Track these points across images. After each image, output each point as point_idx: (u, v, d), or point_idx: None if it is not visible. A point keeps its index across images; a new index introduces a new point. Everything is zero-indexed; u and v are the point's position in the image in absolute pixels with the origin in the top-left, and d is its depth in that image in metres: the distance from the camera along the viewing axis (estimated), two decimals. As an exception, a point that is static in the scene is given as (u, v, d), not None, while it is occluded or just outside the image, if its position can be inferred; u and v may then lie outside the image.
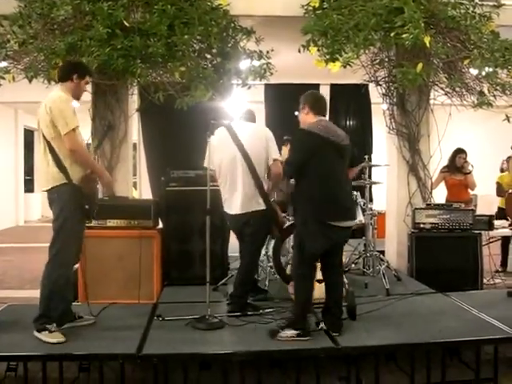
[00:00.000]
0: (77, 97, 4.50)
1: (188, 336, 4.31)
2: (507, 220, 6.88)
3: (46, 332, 4.14)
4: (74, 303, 5.63)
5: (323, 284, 5.29)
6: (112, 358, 4.01)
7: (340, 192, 4.39)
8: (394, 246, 7.17)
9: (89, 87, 6.47)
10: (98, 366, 4.03)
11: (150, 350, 3.98)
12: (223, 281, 5.85)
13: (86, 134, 6.46)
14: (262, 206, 4.92)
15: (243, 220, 4.95)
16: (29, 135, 20.49)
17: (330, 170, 4.34)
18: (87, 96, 6.50)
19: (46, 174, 4.29)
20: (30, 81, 6.01)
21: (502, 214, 8.28)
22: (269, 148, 4.99)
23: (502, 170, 9.35)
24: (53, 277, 4.22)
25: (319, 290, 5.28)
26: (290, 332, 4.24)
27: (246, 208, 4.90)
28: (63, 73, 4.49)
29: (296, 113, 4.72)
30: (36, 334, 4.17)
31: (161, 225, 6.11)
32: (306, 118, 4.53)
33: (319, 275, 5.47)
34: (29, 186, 20.72)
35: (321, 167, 4.30)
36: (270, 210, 4.98)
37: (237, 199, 4.92)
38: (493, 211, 8.12)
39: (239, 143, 4.92)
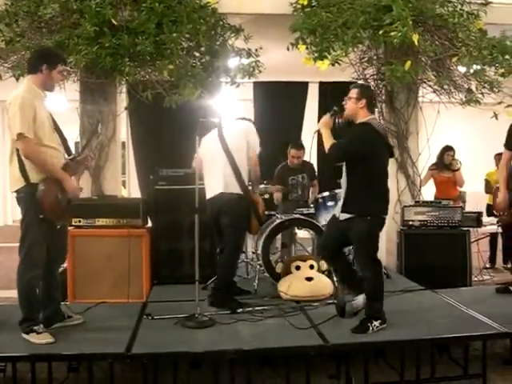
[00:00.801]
0: (49, 88, 4.27)
1: (177, 335, 4.30)
2: (496, 217, 6.92)
3: (34, 334, 4.08)
4: (63, 303, 5.67)
5: (312, 282, 5.32)
6: (101, 358, 3.98)
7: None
8: (383, 243, 7.16)
9: (77, 86, 6.46)
10: (87, 366, 4.01)
11: (140, 349, 3.96)
12: (212, 279, 5.83)
13: (74, 133, 6.47)
14: (238, 191, 4.99)
15: (219, 204, 5.01)
16: (17, 134, 20.30)
17: (386, 168, 4.58)
18: (75, 95, 6.48)
19: (11, 175, 4.14)
20: (18, 79, 5.96)
21: (490, 210, 8.33)
22: (249, 142, 5.12)
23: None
24: (24, 279, 4.10)
25: (308, 289, 5.31)
26: (377, 322, 4.32)
27: (223, 189, 5.01)
28: (31, 64, 4.24)
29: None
30: (24, 336, 4.11)
31: (150, 223, 6.10)
32: (359, 112, 4.51)
33: (309, 273, 5.50)
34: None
35: (382, 165, 4.51)
36: (247, 198, 5.03)
37: (215, 183, 5.06)
38: (481, 208, 8.17)
39: (222, 138, 5.08)
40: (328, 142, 4.51)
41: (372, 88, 4.86)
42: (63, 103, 8.81)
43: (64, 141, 4.36)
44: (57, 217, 4.18)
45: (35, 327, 4.10)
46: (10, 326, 4.36)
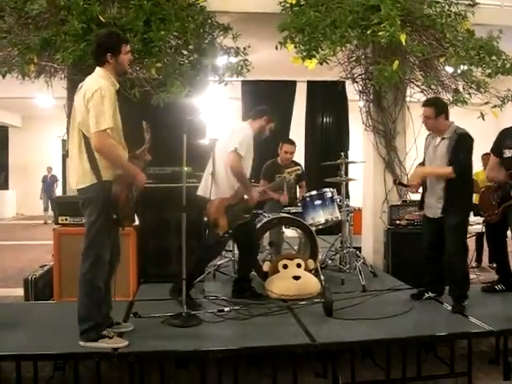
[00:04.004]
0: (121, 73, 4.12)
1: (164, 333, 4.29)
2: (482, 216, 6.95)
3: (106, 339, 3.92)
4: (49, 301, 5.64)
5: (299, 281, 5.33)
6: (87, 357, 3.96)
7: None
8: (370, 242, 7.21)
9: (64, 83, 6.42)
10: (73, 365, 3.99)
11: (126, 348, 3.94)
12: (200, 278, 5.82)
13: (61, 131, 6.43)
14: (202, 193, 5.06)
15: (201, 204, 5.04)
16: (2, 131, 20.23)
17: None
18: (62, 92, 6.44)
19: (76, 171, 3.92)
20: (4, 76, 5.93)
21: (477, 210, 8.37)
22: (230, 139, 5.07)
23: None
24: (96, 285, 3.92)
25: (295, 287, 5.31)
26: (465, 302, 4.85)
27: (201, 191, 5.10)
28: (95, 57, 4.03)
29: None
30: (91, 344, 3.89)
31: (137, 221, 6.07)
32: (443, 123, 4.94)
33: (296, 272, 5.50)
34: (3, 183, 20.47)
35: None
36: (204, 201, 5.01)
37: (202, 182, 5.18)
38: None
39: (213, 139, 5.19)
40: (437, 170, 5.00)
41: (442, 99, 5.43)
42: (50, 100, 8.76)
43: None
44: (127, 217, 4.01)
45: (104, 332, 3.96)
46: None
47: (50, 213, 17.02)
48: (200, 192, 5.13)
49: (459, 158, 4.81)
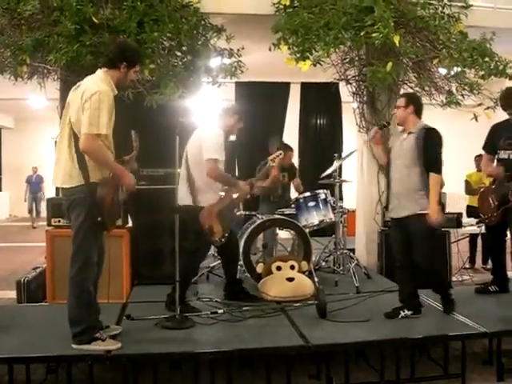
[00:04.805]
0: (121, 87, 4.09)
1: (158, 336, 4.27)
2: (476, 218, 6.98)
3: (99, 341, 3.89)
4: (42, 303, 5.61)
5: (293, 283, 5.32)
6: (80, 360, 3.94)
7: None
8: (363, 243, 7.22)
9: (57, 84, 6.40)
10: (66, 368, 3.97)
11: (120, 350, 3.92)
12: (193, 279, 5.81)
13: (54, 132, 6.40)
14: (189, 202, 4.90)
15: (180, 213, 4.86)
16: (-5, 132, 20.10)
17: None
18: (55, 93, 6.41)
19: (63, 170, 3.87)
20: (-4, 77, 5.91)
21: (470, 211, 8.40)
22: (202, 148, 4.91)
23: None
24: (85, 288, 3.90)
25: (289, 289, 5.31)
26: (409, 312, 4.69)
27: (180, 201, 4.82)
28: (110, 58, 3.97)
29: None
30: (83, 346, 3.87)
31: (130, 223, 6.05)
32: (410, 117, 4.80)
33: (290, 274, 5.50)
34: (-4, 185, 20.32)
35: None
36: (194, 209, 4.89)
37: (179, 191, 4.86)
38: (461, 209, 8.24)
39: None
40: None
41: (418, 96, 5.25)
42: (43, 101, 8.73)
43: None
44: (111, 220, 3.99)
45: (97, 334, 3.92)
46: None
47: (35, 216, 16.63)
48: (185, 202, 4.88)
49: (435, 155, 4.69)
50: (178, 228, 4.53)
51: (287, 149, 7.11)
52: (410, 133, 4.75)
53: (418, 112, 4.82)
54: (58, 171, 3.92)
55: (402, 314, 4.70)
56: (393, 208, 4.90)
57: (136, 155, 4.17)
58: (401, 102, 4.84)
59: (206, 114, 5.78)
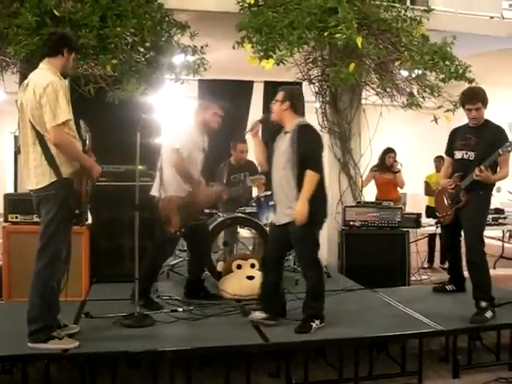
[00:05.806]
0: (66, 74, 4.02)
1: (116, 334, 4.22)
2: (434, 218, 7.08)
3: (56, 340, 3.81)
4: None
5: (253, 281, 5.32)
6: (36, 358, 3.86)
7: None
8: (324, 243, 7.24)
9: (16, 77, 6.26)
10: (21, 368, 3.88)
11: (77, 349, 3.86)
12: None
13: (14, 126, 6.27)
14: (156, 193, 4.94)
15: (154, 203, 4.96)
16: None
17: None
18: (14, 87, 6.27)
19: (36, 171, 3.82)
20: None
21: (429, 212, 8.53)
22: (173, 139, 5.02)
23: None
24: (50, 284, 3.85)
25: (249, 287, 5.30)
26: (318, 321, 4.35)
27: (154, 191, 4.97)
28: (51, 46, 3.93)
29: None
30: (39, 345, 3.78)
31: (90, 220, 5.96)
32: (285, 114, 4.51)
33: (250, 272, 5.50)
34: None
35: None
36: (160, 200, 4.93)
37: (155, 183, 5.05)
38: (421, 209, 8.36)
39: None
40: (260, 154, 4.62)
41: (299, 91, 4.79)
42: (1, 95, 8.55)
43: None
44: (85, 212, 4.03)
45: (54, 333, 3.84)
46: None
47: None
48: (153, 192, 5.00)
49: (309, 152, 4.31)
50: (145, 224, 4.49)
51: (240, 142, 6.89)
52: (286, 132, 4.49)
53: (296, 109, 4.47)
54: (29, 175, 3.89)
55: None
56: (276, 214, 4.66)
57: (89, 147, 4.12)
58: (278, 95, 4.53)
59: (168, 110, 5.73)
